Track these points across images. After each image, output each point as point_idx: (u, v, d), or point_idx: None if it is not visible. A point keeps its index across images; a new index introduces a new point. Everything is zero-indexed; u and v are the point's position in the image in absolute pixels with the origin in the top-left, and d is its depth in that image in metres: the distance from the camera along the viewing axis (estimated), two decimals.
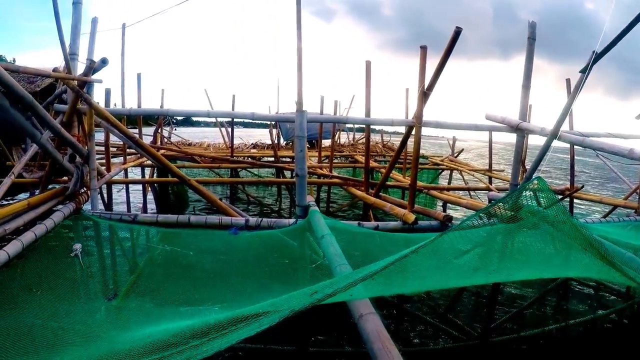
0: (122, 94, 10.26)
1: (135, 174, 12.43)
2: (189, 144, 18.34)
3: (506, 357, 6.25)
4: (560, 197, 8.50)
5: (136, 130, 10.76)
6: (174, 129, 19.32)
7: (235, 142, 12.88)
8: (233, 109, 13.27)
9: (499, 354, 6.21)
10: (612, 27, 3.95)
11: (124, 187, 11.47)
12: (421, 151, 5.59)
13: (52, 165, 5.13)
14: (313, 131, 15.71)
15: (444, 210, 11.86)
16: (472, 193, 11.74)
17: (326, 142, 18.18)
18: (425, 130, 5.50)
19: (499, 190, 8.95)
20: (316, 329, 6.24)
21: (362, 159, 12.33)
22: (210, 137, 24.93)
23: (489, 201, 7.37)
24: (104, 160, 7.90)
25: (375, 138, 22.34)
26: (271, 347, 5.64)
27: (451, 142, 16.46)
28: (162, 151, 10.34)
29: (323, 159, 13.42)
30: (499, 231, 2.59)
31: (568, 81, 7.43)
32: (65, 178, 6.10)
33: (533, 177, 5.13)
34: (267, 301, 1.78)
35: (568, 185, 8.68)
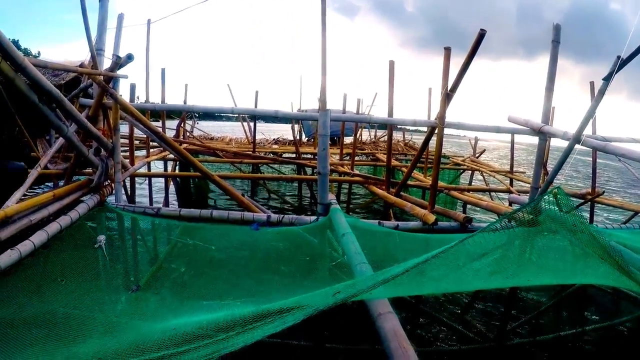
0: (146, 88, 10.41)
1: (157, 166, 12.59)
2: (211, 138, 18.44)
3: None
4: (581, 201, 8.45)
5: (159, 123, 10.90)
6: (197, 122, 19.43)
7: (257, 137, 12.96)
8: (256, 105, 13.36)
9: (515, 358, 6.21)
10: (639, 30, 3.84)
11: (146, 180, 11.64)
12: (442, 150, 5.59)
13: (77, 158, 5.22)
14: (335, 128, 15.76)
15: (464, 210, 11.84)
16: (492, 194, 11.71)
17: (348, 140, 18.17)
18: (447, 129, 5.51)
19: (520, 192, 8.91)
20: (332, 325, 6.29)
21: (383, 157, 12.35)
22: (232, 131, 25.04)
23: (510, 203, 7.35)
24: (127, 153, 8.03)
25: (396, 136, 22.24)
26: (289, 342, 5.71)
27: (473, 142, 16.38)
28: (184, 145, 10.48)
29: (344, 156, 13.45)
30: (518, 235, 2.60)
31: (592, 84, 7.37)
32: (88, 170, 6.20)
33: (554, 181, 5.14)
34: (290, 299, 1.82)
35: (589, 189, 8.60)
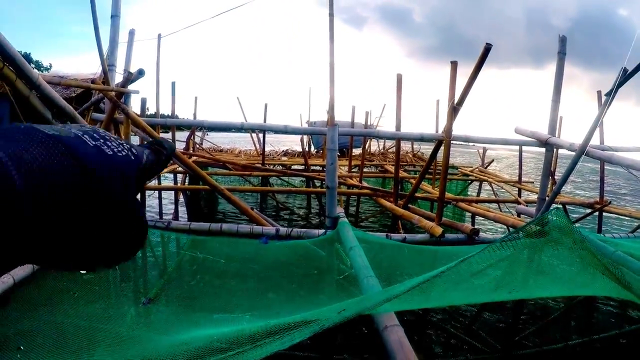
0: (156, 100, 10.57)
1: (167, 178, 12.67)
2: (220, 150, 18.56)
3: None
4: (589, 211, 8.46)
5: (169, 135, 11.01)
6: (206, 134, 19.60)
7: (266, 148, 13.03)
8: (265, 118, 13.47)
9: None
10: None
11: (156, 192, 11.70)
12: (450, 160, 5.62)
13: None
14: (344, 140, 15.83)
15: (473, 220, 11.85)
16: (500, 204, 11.72)
17: (357, 151, 18.22)
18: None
19: (528, 203, 8.92)
20: (338, 336, 6.30)
21: (392, 168, 12.38)
22: (241, 142, 25.18)
23: (517, 214, 7.36)
24: None
25: (405, 147, 22.25)
26: (295, 354, 5.72)
27: (481, 152, 16.39)
28: (193, 158, 10.56)
29: (353, 168, 13.50)
30: (524, 246, 2.62)
31: (599, 93, 7.39)
32: None
33: (561, 191, 5.15)
34: (298, 314, 1.86)
35: (597, 198, 8.62)
